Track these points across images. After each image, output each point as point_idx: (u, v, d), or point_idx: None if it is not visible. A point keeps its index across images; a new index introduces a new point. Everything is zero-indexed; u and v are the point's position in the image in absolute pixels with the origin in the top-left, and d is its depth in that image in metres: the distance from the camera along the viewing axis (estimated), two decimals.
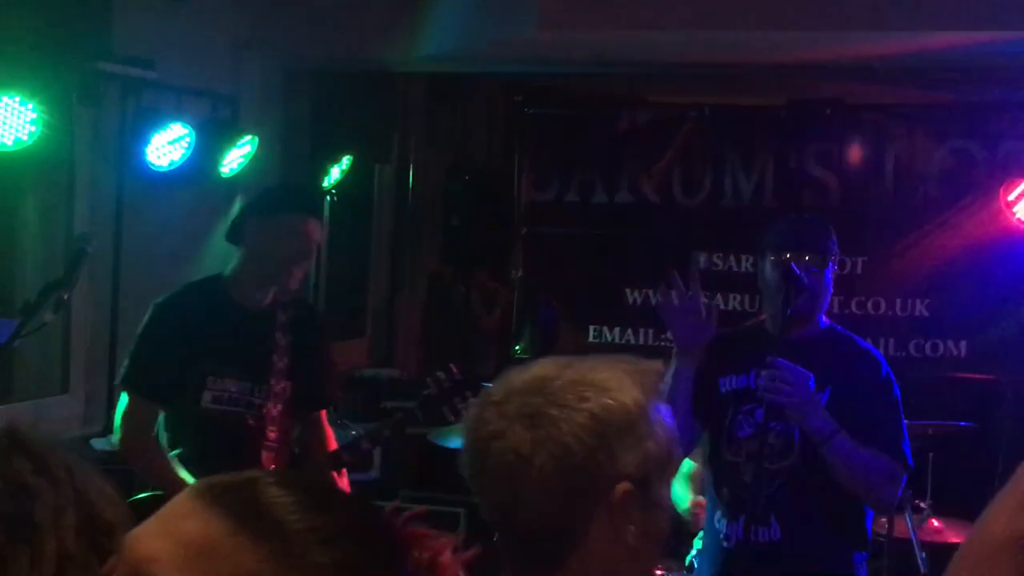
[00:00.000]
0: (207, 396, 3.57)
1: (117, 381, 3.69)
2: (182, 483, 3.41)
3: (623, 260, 6.28)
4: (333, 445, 3.82)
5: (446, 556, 1.10)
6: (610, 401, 1.43)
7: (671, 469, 1.51)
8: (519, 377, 1.48)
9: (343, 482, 3.63)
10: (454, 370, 3.68)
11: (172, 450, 3.59)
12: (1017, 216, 5.55)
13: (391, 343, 7.62)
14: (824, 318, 3.35)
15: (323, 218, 3.80)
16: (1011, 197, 5.55)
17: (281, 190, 3.71)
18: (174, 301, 3.64)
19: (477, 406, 1.49)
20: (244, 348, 3.59)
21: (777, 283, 3.21)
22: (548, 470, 1.41)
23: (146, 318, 3.62)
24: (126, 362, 3.63)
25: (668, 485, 1.52)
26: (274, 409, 3.62)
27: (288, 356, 3.65)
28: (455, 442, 4.80)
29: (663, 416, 1.50)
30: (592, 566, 1.44)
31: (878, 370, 3.26)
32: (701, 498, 3.92)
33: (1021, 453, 5.29)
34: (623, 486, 1.42)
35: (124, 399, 3.59)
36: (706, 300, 3.26)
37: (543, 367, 1.49)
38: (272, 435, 3.61)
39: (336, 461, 3.67)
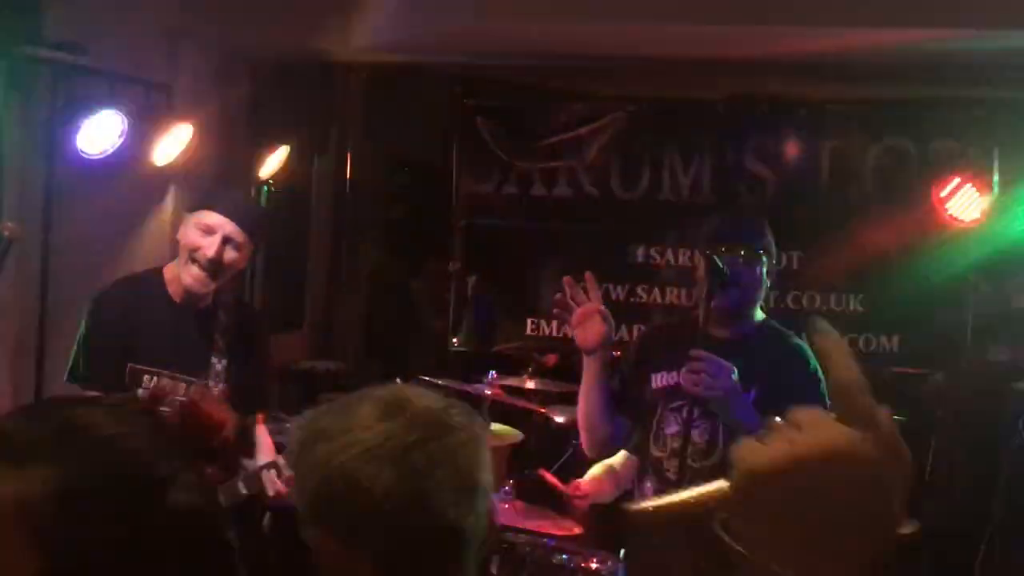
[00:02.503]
0: (144, 393, 3.54)
1: (65, 376, 3.63)
2: None
3: (561, 253, 6.29)
4: (269, 451, 3.78)
5: None
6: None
7: None
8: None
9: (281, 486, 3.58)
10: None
11: None
12: (949, 212, 5.62)
13: (329, 336, 7.57)
14: (759, 313, 3.36)
15: (250, 217, 3.73)
16: (943, 194, 5.63)
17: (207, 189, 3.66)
18: (111, 294, 3.60)
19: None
20: (182, 347, 3.56)
21: (703, 276, 3.24)
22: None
23: (87, 311, 3.58)
24: (72, 356, 3.58)
25: None
26: (215, 388, 3.59)
27: (227, 358, 3.61)
28: None
29: None
30: None
31: (806, 366, 3.28)
32: (581, 480, 3.98)
33: (951, 447, 5.39)
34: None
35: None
36: (602, 307, 3.29)
37: (388, 391, 1.55)
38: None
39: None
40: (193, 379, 3.57)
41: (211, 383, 3.58)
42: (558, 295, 3.35)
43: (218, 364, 3.60)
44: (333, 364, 7.12)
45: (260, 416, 3.82)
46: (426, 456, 1.42)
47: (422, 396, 1.49)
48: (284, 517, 4.91)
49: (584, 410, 3.37)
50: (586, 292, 3.31)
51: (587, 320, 3.26)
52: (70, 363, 3.60)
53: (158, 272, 3.65)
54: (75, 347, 3.59)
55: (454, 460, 1.43)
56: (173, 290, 3.58)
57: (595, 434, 3.41)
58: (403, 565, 1.44)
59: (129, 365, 3.52)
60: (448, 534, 1.45)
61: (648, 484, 3.33)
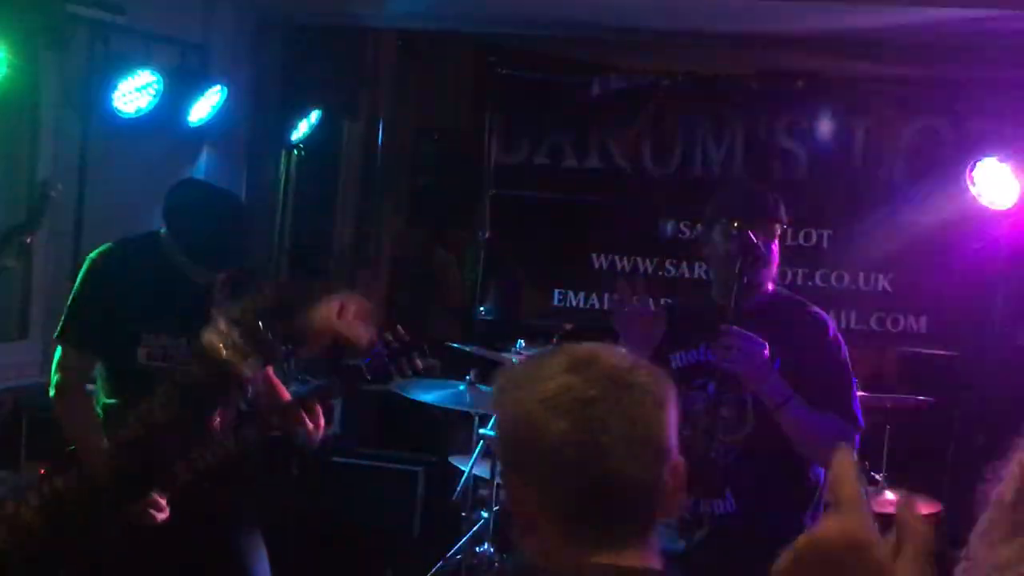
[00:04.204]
0: (142, 352, 3.54)
1: (55, 335, 3.64)
2: (96, 446, 3.41)
3: (591, 225, 6.28)
4: (286, 396, 3.79)
5: None
6: (667, 392, 1.56)
7: None
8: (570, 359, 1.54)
9: (322, 420, 3.59)
10: (401, 331, 3.66)
11: (110, 399, 3.58)
12: (983, 195, 5.58)
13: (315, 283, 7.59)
14: (770, 284, 3.36)
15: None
16: (978, 176, 5.58)
17: (201, 242, 3.53)
18: (109, 256, 3.58)
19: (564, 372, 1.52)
20: (179, 304, 3.54)
21: (731, 252, 3.20)
22: (650, 447, 1.52)
23: (81, 272, 3.57)
24: (63, 316, 3.59)
25: None
26: None
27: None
28: (419, 394, 4.80)
29: None
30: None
31: (825, 332, 3.28)
32: None
33: (975, 430, 5.39)
34: (677, 460, 1.54)
35: (58, 351, 3.56)
36: (654, 305, 3.26)
37: (583, 347, 1.57)
38: None
39: (299, 404, 3.62)
40: (192, 337, 3.55)
41: None
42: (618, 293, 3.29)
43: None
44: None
45: (269, 369, 3.82)
46: (603, 411, 1.47)
47: (612, 355, 1.54)
48: (311, 461, 4.95)
49: None
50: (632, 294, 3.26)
51: (638, 323, 3.22)
52: (60, 324, 3.60)
53: (156, 235, 3.62)
54: (66, 308, 3.59)
55: (632, 417, 1.48)
56: (171, 255, 3.55)
57: None
58: (584, 514, 1.49)
59: (127, 323, 3.51)
60: (630, 488, 1.49)
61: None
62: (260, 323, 2.04)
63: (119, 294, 3.50)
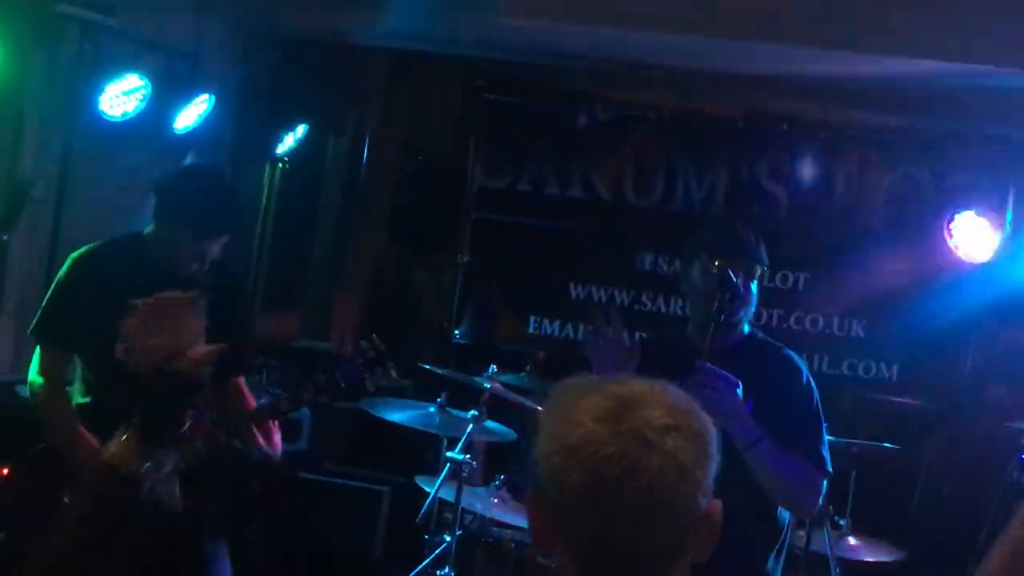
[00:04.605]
0: (120, 348, 3.53)
1: (30, 330, 3.64)
2: (76, 440, 3.40)
3: (570, 254, 6.30)
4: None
5: None
6: (709, 428, 1.51)
7: None
8: (619, 391, 1.48)
9: (276, 435, 3.58)
10: (376, 341, 3.66)
11: (85, 398, 3.58)
12: (959, 247, 5.63)
13: (328, 317, 7.57)
14: (746, 325, 3.36)
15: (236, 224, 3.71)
16: (955, 228, 5.63)
17: (191, 203, 3.56)
18: (92, 256, 3.60)
19: (589, 423, 1.44)
20: None
21: (710, 289, 3.21)
22: (702, 479, 1.46)
23: (62, 270, 3.58)
24: (40, 313, 3.59)
25: None
26: None
27: (206, 317, 3.59)
28: (389, 413, 4.79)
29: None
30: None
31: (799, 377, 3.29)
32: None
33: (941, 481, 5.41)
34: (712, 504, 1.49)
35: (37, 354, 3.56)
36: (628, 338, 3.27)
37: (636, 383, 1.50)
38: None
39: (272, 411, 3.61)
40: None
41: None
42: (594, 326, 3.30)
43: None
44: (331, 345, 7.13)
45: (239, 380, 3.82)
46: (619, 473, 1.39)
47: (655, 405, 1.45)
48: (273, 477, 4.92)
49: None
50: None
51: (612, 354, 3.22)
52: (37, 320, 3.59)
53: (137, 236, 3.63)
54: (45, 305, 3.59)
55: (649, 485, 1.40)
56: (154, 255, 3.56)
57: None
58: (597, 565, 1.44)
59: (107, 321, 3.51)
60: (643, 551, 1.44)
61: None
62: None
63: (100, 293, 3.50)
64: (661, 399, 1.46)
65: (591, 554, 1.44)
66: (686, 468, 1.43)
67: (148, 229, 3.61)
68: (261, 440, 3.47)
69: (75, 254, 3.60)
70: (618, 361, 3.19)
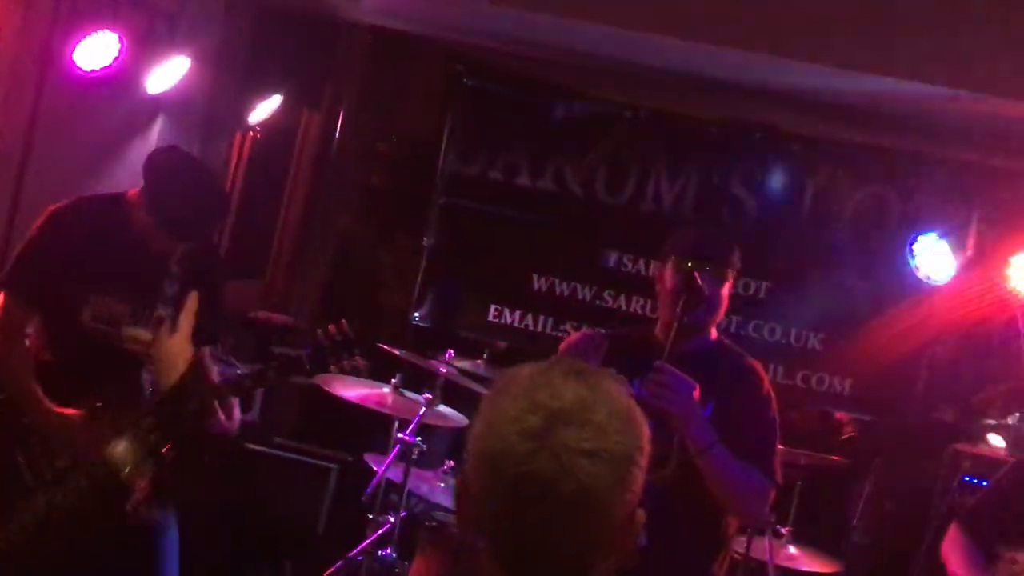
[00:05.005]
0: (87, 312, 3.50)
1: (1, 281, 3.58)
2: (32, 399, 3.37)
3: (535, 245, 6.30)
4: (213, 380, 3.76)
5: None
6: (640, 431, 1.46)
7: None
8: (549, 400, 1.43)
9: (236, 411, 3.56)
10: (344, 325, 3.65)
11: (45, 357, 3.53)
12: (921, 268, 5.69)
13: (289, 290, 7.55)
14: (714, 331, 3.37)
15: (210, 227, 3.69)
16: (917, 250, 5.69)
17: (180, 210, 3.42)
18: (70, 212, 3.54)
19: (506, 436, 1.42)
20: (133, 271, 3.51)
21: (676, 290, 3.22)
22: (617, 504, 1.43)
23: (39, 223, 3.52)
24: (10, 264, 3.54)
25: None
26: None
27: (179, 285, 3.58)
28: (342, 390, 4.78)
29: None
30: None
31: (760, 387, 3.30)
32: None
33: (884, 496, 5.45)
34: (641, 514, 1.47)
35: (2, 299, 3.51)
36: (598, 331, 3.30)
37: (564, 388, 1.44)
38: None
39: (237, 388, 3.59)
40: (140, 304, 3.54)
41: (160, 309, 3.54)
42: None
43: (169, 289, 3.56)
44: (289, 319, 7.10)
45: (207, 349, 3.79)
46: (531, 490, 1.40)
47: (578, 423, 1.41)
48: (222, 450, 4.90)
49: None
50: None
51: (583, 346, 3.25)
52: (8, 271, 3.54)
53: (120, 198, 3.58)
54: (17, 258, 3.53)
55: (556, 505, 1.40)
56: (134, 221, 3.52)
57: None
58: (505, 560, 1.45)
59: (77, 282, 3.47)
60: (553, 558, 1.45)
61: None
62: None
63: (75, 251, 3.46)
64: (592, 415, 1.42)
65: (501, 551, 1.45)
66: (599, 497, 1.41)
67: (131, 194, 3.55)
68: (222, 415, 3.45)
69: (54, 208, 3.54)
70: (585, 354, 3.21)
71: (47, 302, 3.50)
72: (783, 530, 4.91)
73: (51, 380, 3.49)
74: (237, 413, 3.48)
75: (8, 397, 3.49)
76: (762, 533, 4.74)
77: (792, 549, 4.92)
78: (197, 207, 3.47)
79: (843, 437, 6.14)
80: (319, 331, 3.80)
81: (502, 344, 6.23)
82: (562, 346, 3.37)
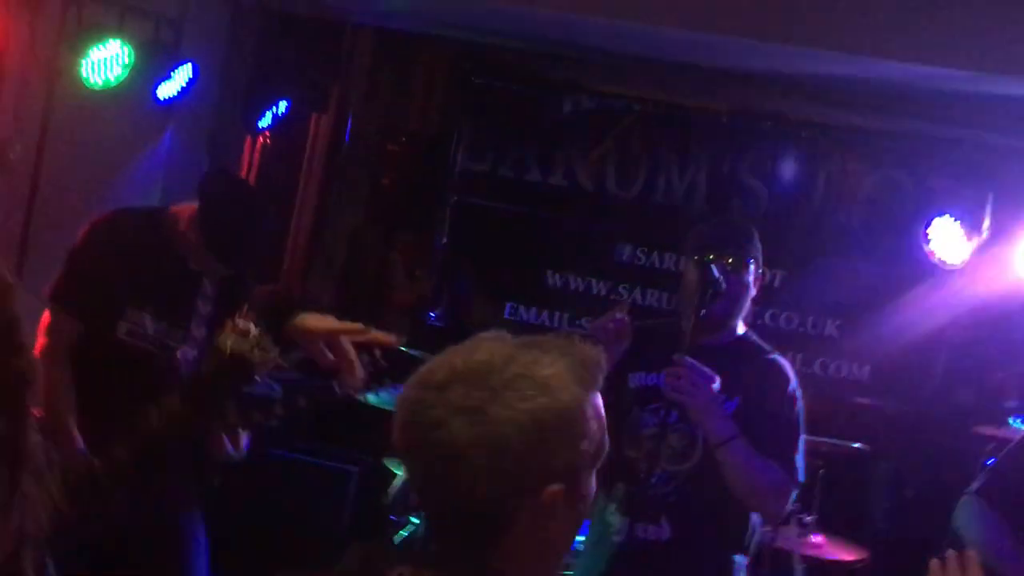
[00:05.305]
0: (122, 327, 3.50)
1: (48, 295, 3.57)
2: (66, 436, 3.37)
3: (548, 242, 6.29)
4: None
5: None
6: (550, 402, 1.42)
7: (601, 459, 1.50)
8: (462, 359, 1.45)
9: (244, 440, 3.56)
10: (378, 356, 3.64)
11: (78, 369, 3.53)
12: (936, 251, 5.66)
13: (303, 293, 7.54)
14: (741, 325, 3.36)
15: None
16: (931, 234, 5.66)
17: (231, 238, 3.44)
18: (110, 224, 3.54)
19: (416, 385, 1.47)
20: (169, 288, 3.52)
21: (695, 284, 3.22)
22: (483, 466, 1.40)
23: (81, 235, 3.52)
24: (57, 276, 3.53)
25: (593, 474, 1.51)
26: (189, 354, 3.56)
27: (213, 305, 3.58)
28: (362, 396, 4.76)
29: (598, 408, 1.49)
30: (513, 554, 1.44)
31: (786, 385, 3.29)
32: None
33: (907, 482, 5.43)
34: (552, 488, 1.42)
35: (48, 314, 3.50)
36: (627, 318, 3.27)
37: (488, 350, 1.46)
38: (188, 370, 3.55)
39: (263, 411, 3.58)
40: (175, 320, 3.55)
41: (193, 328, 3.55)
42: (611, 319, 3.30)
43: (204, 308, 3.57)
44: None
45: None
46: (408, 440, 1.47)
47: (471, 382, 1.42)
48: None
49: None
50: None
51: (613, 336, 3.23)
52: (56, 283, 3.54)
53: (160, 213, 3.59)
54: (65, 269, 3.54)
55: (424, 457, 1.46)
56: (176, 239, 3.52)
57: None
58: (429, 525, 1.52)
59: (114, 295, 3.48)
60: (431, 511, 1.52)
61: (619, 485, 3.33)
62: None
63: (115, 264, 3.46)
64: (491, 378, 1.42)
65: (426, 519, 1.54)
66: (462, 453, 1.40)
67: (180, 210, 3.54)
68: (228, 444, 3.46)
69: (94, 220, 3.54)
70: (612, 339, 3.21)
71: (89, 318, 3.50)
72: (807, 518, 4.90)
73: (81, 391, 3.49)
74: (244, 443, 3.48)
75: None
76: (786, 522, 4.73)
77: (817, 538, 4.90)
78: (248, 235, 3.49)
79: (871, 422, 6.10)
80: (349, 361, 3.80)
81: None
82: (591, 328, 3.34)
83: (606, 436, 1.51)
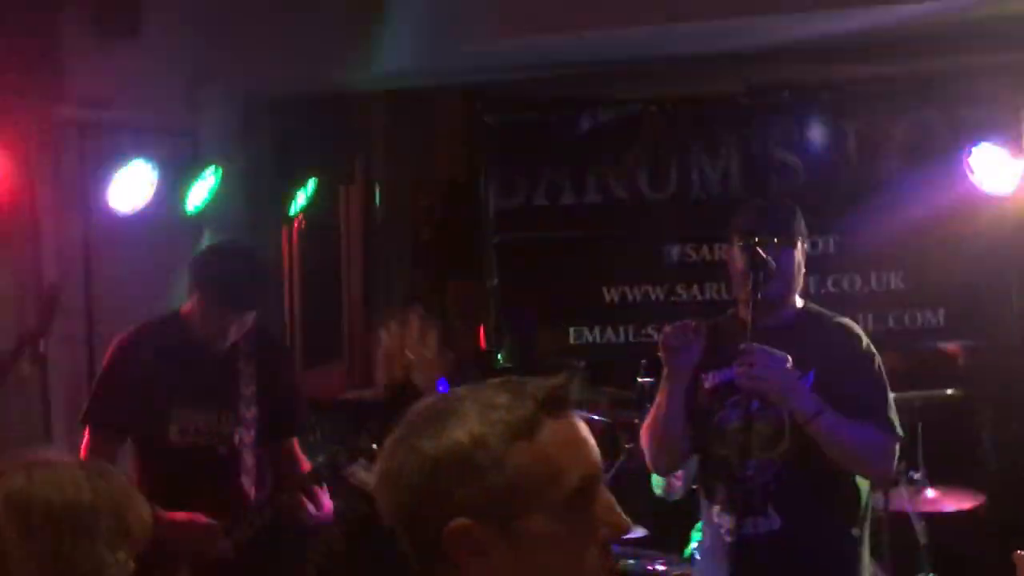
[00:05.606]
0: (173, 429, 3.59)
1: (79, 420, 3.68)
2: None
3: (597, 259, 6.27)
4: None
5: None
6: (446, 440, 1.42)
7: (554, 494, 1.42)
8: (416, 408, 1.50)
9: (325, 500, 3.60)
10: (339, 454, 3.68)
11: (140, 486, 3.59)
12: (980, 181, 5.58)
13: (368, 364, 7.59)
14: (799, 300, 3.35)
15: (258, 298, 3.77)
16: (973, 162, 5.58)
17: (219, 276, 3.58)
18: (134, 338, 3.66)
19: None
20: (208, 380, 3.60)
21: (745, 269, 3.21)
22: (391, 508, 1.45)
23: (108, 356, 3.63)
24: (90, 398, 3.63)
25: (559, 511, 1.42)
26: (247, 436, 3.62)
27: (255, 383, 3.65)
28: None
29: (535, 448, 1.43)
30: None
31: (858, 344, 3.27)
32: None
33: (1009, 418, 5.35)
34: (456, 523, 1.40)
35: (85, 437, 3.60)
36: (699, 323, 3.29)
37: (436, 398, 1.50)
38: (249, 461, 3.62)
39: (314, 478, 3.64)
40: (222, 408, 3.62)
41: (242, 410, 3.62)
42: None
43: (247, 390, 3.64)
44: (376, 391, 7.13)
45: (293, 442, 3.85)
46: None
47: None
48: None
49: (663, 428, 3.32)
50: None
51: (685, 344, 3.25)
52: (84, 408, 3.64)
53: (175, 314, 3.68)
54: (92, 390, 3.64)
55: None
56: (194, 330, 3.60)
57: (673, 452, 3.38)
58: None
59: (156, 403, 3.55)
60: None
61: (719, 485, 3.31)
62: None
63: (146, 373, 3.55)
64: (414, 422, 1.48)
65: None
66: (403, 485, 1.46)
67: (184, 306, 3.65)
68: (311, 507, 3.49)
69: (118, 338, 3.67)
70: (689, 350, 3.21)
71: (133, 429, 3.57)
72: (916, 475, 4.82)
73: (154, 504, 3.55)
74: (326, 500, 3.51)
75: None
76: (896, 483, 4.65)
77: (930, 492, 4.82)
78: (236, 268, 3.59)
79: (959, 366, 6.00)
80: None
81: (580, 363, 6.18)
82: (661, 339, 3.34)
83: (557, 469, 1.42)
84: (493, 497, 1.40)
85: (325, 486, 3.59)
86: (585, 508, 1.44)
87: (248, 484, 3.62)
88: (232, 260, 3.62)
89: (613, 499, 1.48)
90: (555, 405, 1.46)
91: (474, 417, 1.43)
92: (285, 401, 3.79)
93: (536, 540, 1.41)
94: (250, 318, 3.61)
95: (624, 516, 1.48)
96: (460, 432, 1.41)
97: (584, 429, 1.48)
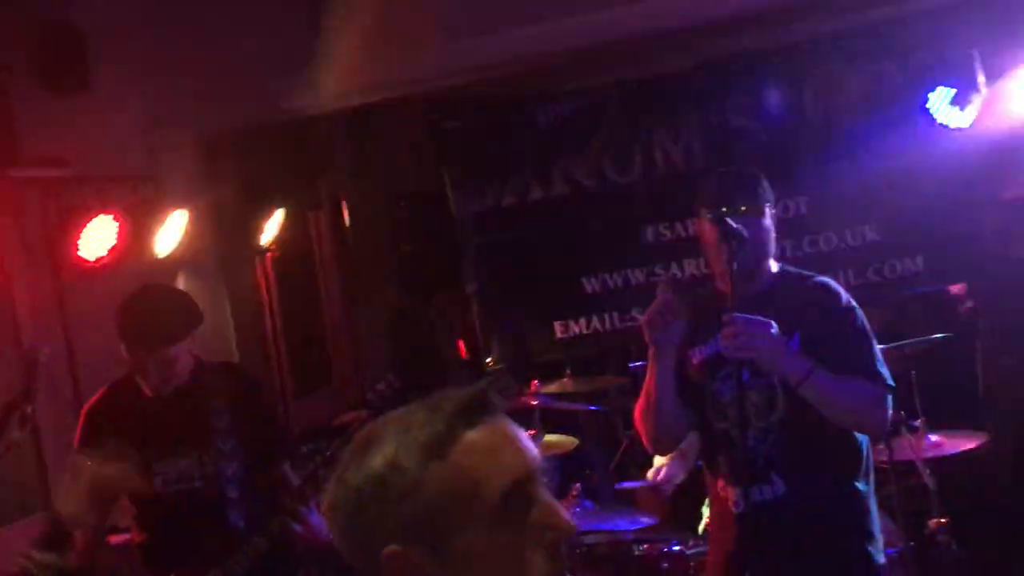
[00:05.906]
0: (157, 481, 3.62)
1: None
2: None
3: (573, 251, 6.27)
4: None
5: None
6: (365, 469, 1.41)
7: (479, 508, 1.38)
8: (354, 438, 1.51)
9: (312, 517, 3.59)
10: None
11: (142, 535, 3.74)
12: (939, 121, 5.61)
13: (361, 383, 7.57)
14: (774, 264, 3.34)
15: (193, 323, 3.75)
16: (930, 105, 5.61)
17: (122, 319, 3.63)
18: (99, 401, 3.75)
19: None
20: (174, 425, 3.63)
21: (717, 242, 3.20)
22: (336, 540, 1.46)
23: (79, 427, 3.70)
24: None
25: (490, 524, 1.38)
26: (228, 469, 3.63)
27: (227, 414, 3.66)
28: None
29: (439, 462, 1.40)
30: None
31: (838, 300, 3.27)
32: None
33: (998, 353, 5.35)
34: (388, 549, 1.38)
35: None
36: (671, 294, 3.26)
37: (368, 425, 1.48)
38: (233, 494, 3.63)
39: (300, 497, 3.63)
40: (199, 448, 3.63)
41: (220, 444, 3.63)
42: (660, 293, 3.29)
43: (220, 423, 3.66)
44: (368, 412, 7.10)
45: (285, 469, 3.85)
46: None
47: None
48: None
49: (655, 408, 3.31)
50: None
51: (665, 321, 3.23)
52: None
53: (130, 376, 3.72)
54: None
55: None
56: (142, 382, 3.66)
57: (669, 430, 3.37)
58: None
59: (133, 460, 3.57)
60: None
61: (720, 458, 3.31)
62: None
63: (118, 433, 3.55)
64: (359, 442, 1.47)
65: None
66: (333, 519, 1.48)
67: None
68: (298, 527, 3.49)
69: (86, 408, 3.76)
70: (669, 326, 3.20)
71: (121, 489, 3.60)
72: (916, 423, 4.82)
73: (151, 558, 3.64)
74: (314, 519, 3.50)
75: None
76: (897, 434, 4.66)
77: (932, 437, 4.83)
78: (139, 310, 3.61)
79: (966, 308, 6.01)
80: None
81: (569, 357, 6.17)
82: (644, 321, 3.32)
83: (475, 482, 1.39)
84: (417, 520, 1.37)
85: (312, 504, 3.58)
86: (520, 515, 1.39)
87: (236, 518, 3.63)
88: (133, 303, 3.63)
89: (552, 500, 1.43)
90: (470, 415, 1.41)
91: (390, 441, 1.40)
92: (264, 429, 3.81)
93: (471, 557, 1.37)
94: (178, 352, 3.60)
95: (566, 516, 1.43)
96: (378, 459, 1.40)
97: (510, 432, 1.42)
